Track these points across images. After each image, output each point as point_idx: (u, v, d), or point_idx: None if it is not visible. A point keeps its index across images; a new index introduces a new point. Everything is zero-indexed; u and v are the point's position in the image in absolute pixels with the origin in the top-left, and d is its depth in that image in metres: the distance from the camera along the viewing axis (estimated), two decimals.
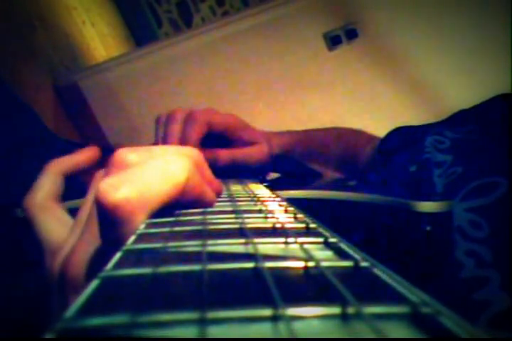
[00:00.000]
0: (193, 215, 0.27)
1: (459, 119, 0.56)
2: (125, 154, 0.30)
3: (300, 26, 1.53)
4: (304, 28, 1.54)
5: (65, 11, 1.94)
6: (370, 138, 0.75)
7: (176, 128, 0.62)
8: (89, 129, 1.47)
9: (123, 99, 1.50)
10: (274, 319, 0.12)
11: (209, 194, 0.31)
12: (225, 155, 0.65)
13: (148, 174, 0.27)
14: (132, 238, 0.21)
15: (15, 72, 1.15)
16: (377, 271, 0.16)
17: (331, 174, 0.70)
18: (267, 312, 0.13)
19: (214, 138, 0.65)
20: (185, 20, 3.15)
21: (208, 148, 0.64)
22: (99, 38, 2.34)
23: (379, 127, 0.73)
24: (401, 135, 0.64)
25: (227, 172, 0.63)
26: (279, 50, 1.54)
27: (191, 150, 0.34)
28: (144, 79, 1.52)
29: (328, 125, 0.79)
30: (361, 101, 1.55)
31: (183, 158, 0.29)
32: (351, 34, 1.54)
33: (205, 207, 0.30)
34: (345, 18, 1.53)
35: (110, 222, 0.25)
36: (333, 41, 1.54)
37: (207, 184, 0.31)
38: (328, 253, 0.19)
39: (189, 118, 0.63)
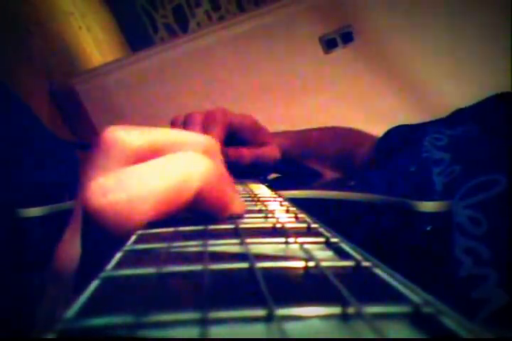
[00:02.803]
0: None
1: (457, 118, 0.56)
2: (119, 134, 0.26)
3: (296, 30, 1.54)
4: (300, 31, 1.54)
5: (61, 16, 1.95)
6: (367, 137, 0.75)
7: (197, 131, 0.60)
8: (85, 133, 1.46)
9: (119, 104, 1.50)
10: (275, 319, 0.12)
11: (235, 199, 0.25)
12: (248, 154, 0.65)
13: (149, 177, 0.22)
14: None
15: (12, 76, 1.15)
16: (378, 271, 0.16)
17: (329, 173, 0.70)
18: (267, 312, 0.13)
19: (228, 139, 0.65)
20: (181, 26, 3.15)
21: (232, 147, 0.64)
22: (95, 43, 2.35)
23: (375, 128, 0.73)
24: (399, 134, 0.64)
25: (248, 172, 0.63)
26: (276, 53, 1.54)
27: (210, 141, 0.29)
28: (139, 83, 1.52)
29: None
30: (357, 103, 1.55)
31: (200, 156, 0.24)
32: (347, 37, 1.55)
33: (232, 216, 0.25)
34: (340, 22, 1.54)
35: (91, 227, 0.22)
36: (328, 44, 1.55)
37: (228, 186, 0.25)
38: (330, 254, 0.19)
39: (209, 119, 0.62)
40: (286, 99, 1.55)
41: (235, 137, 0.66)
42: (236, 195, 0.26)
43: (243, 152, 0.64)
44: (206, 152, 0.26)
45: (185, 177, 0.23)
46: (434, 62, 1.56)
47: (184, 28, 3.15)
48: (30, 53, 1.41)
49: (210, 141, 0.29)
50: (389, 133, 0.67)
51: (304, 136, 0.74)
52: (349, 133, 0.77)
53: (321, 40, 1.55)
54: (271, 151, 0.68)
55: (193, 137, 0.28)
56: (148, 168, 0.23)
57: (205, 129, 0.61)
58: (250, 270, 0.16)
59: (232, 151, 0.63)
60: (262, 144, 0.68)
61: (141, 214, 0.21)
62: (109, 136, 0.26)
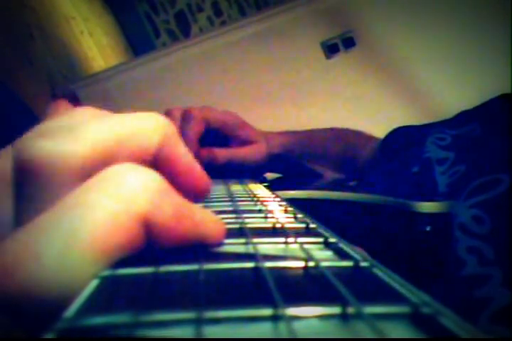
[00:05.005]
0: None
1: (460, 119, 0.55)
2: (47, 149, 0.18)
3: (297, 35, 1.54)
4: (302, 36, 1.54)
5: (63, 20, 1.95)
6: (370, 138, 0.75)
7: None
8: None
9: (120, 108, 1.50)
10: (274, 319, 0.12)
11: (204, 222, 0.19)
12: (222, 154, 0.65)
13: (69, 225, 0.16)
14: None
15: (13, 81, 1.15)
16: (377, 271, 0.16)
17: (330, 174, 0.70)
18: (267, 311, 0.13)
19: (211, 137, 0.65)
20: (183, 31, 3.17)
21: (206, 147, 0.64)
22: (97, 48, 2.36)
23: (377, 131, 0.73)
24: (402, 135, 0.64)
25: (226, 172, 0.63)
26: (277, 58, 1.54)
27: (165, 126, 0.22)
28: (141, 88, 1.52)
29: None
30: (359, 108, 1.55)
31: (137, 171, 0.18)
32: (349, 42, 1.55)
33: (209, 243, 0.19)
34: (342, 27, 1.54)
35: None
36: (330, 50, 1.55)
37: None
38: (328, 253, 0.19)
39: (186, 115, 0.63)
40: (288, 103, 1.55)
41: (217, 135, 0.66)
42: (206, 216, 0.19)
43: (216, 152, 0.64)
44: (166, 139, 0.21)
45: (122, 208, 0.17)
46: (436, 65, 1.56)
47: (186, 33, 3.16)
48: (32, 58, 1.41)
49: (165, 126, 0.22)
50: (392, 134, 0.66)
51: (306, 137, 0.74)
52: (351, 135, 0.77)
53: (322, 45, 1.56)
54: (252, 151, 0.68)
55: (143, 126, 0.21)
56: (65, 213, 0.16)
57: (182, 124, 0.62)
58: (249, 269, 0.16)
59: (204, 152, 0.64)
60: (247, 143, 0.68)
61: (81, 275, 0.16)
62: (32, 154, 0.18)
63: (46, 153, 0.18)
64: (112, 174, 0.18)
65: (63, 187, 0.18)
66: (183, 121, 0.63)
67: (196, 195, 0.22)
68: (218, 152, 0.65)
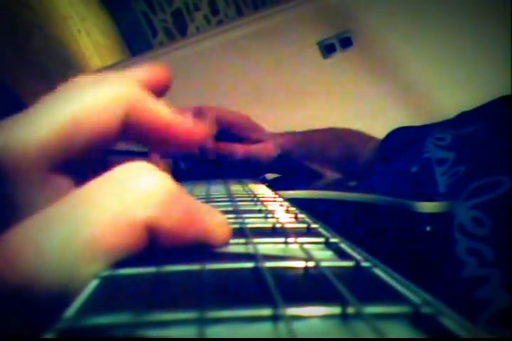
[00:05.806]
0: None
1: (460, 120, 0.55)
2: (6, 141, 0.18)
3: (294, 35, 1.54)
4: (299, 36, 1.55)
5: (61, 20, 1.95)
6: (369, 138, 0.75)
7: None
8: None
9: None
10: (275, 319, 0.12)
11: (210, 223, 0.18)
12: (241, 149, 0.65)
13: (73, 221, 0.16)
14: None
15: (12, 80, 1.15)
16: (377, 271, 0.16)
17: (330, 174, 0.70)
18: (267, 311, 0.13)
19: (219, 136, 0.66)
20: (180, 30, 3.16)
21: (225, 142, 0.64)
22: (94, 47, 2.35)
23: (375, 132, 0.73)
24: (401, 135, 0.64)
25: (227, 172, 0.63)
26: (274, 57, 1.54)
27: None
28: None
29: None
30: (356, 107, 1.55)
31: (146, 170, 0.18)
32: (346, 42, 1.55)
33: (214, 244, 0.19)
34: (339, 27, 1.54)
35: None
36: (327, 49, 1.55)
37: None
38: (329, 254, 0.19)
39: (199, 112, 0.63)
40: (284, 103, 1.55)
41: (229, 134, 0.66)
42: (214, 220, 0.19)
43: (235, 147, 0.65)
44: (132, 106, 0.20)
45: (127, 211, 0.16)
46: (434, 65, 1.56)
47: (183, 32, 3.15)
48: (30, 57, 1.41)
49: (128, 94, 0.21)
50: (391, 135, 0.66)
51: (305, 137, 0.74)
52: (350, 135, 0.77)
53: (319, 44, 1.56)
54: (264, 148, 0.68)
55: (101, 101, 0.20)
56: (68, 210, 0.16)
57: (195, 122, 0.62)
58: (250, 270, 0.16)
59: (223, 146, 0.64)
60: (256, 141, 0.69)
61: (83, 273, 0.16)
62: None
63: (3, 145, 0.18)
64: (120, 174, 0.17)
65: (33, 179, 0.18)
66: (196, 118, 0.63)
67: (193, 144, 0.22)
68: (237, 147, 0.65)
